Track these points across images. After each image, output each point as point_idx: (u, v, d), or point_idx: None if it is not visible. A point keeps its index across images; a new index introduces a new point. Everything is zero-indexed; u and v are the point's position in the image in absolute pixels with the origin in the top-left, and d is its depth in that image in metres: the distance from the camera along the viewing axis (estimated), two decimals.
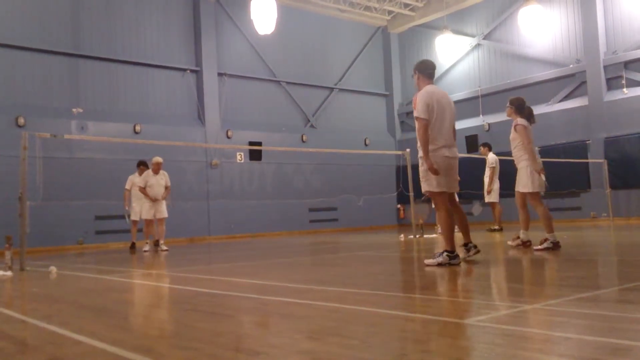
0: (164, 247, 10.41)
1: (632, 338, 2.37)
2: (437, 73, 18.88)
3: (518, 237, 7.05)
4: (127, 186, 11.10)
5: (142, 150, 13.87)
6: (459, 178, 5.63)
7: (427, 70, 5.58)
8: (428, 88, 5.44)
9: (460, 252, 5.60)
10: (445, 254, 5.24)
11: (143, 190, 10.36)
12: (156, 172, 10.45)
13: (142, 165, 11.02)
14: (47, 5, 13.45)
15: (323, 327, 2.83)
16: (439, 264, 5.19)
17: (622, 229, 6.62)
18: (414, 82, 5.66)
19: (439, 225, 5.63)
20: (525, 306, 3.11)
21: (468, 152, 16.59)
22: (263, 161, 16.30)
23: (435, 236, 10.97)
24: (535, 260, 6.30)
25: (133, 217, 11.04)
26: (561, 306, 3.11)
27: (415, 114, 5.38)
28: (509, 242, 7.18)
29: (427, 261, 5.35)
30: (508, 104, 6.90)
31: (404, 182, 12.89)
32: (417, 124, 5.35)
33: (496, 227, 11.88)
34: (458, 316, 3.02)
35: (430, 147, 5.31)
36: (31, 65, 13.13)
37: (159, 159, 10.49)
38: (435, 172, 5.26)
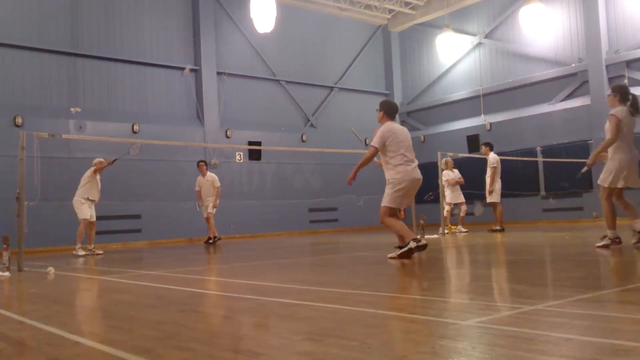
0: (99, 251, 10.27)
1: (633, 339, 2.34)
2: (439, 72, 19.19)
3: (605, 237, 6.40)
4: (197, 188, 12.11)
5: (141, 150, 13.84)
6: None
7: (391, 114, 6.63)
8: (389, 124, 6.48)
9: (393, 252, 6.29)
10: (410, 242, 5.94)
11: (99, 169, 10.08)
12: (100, 172, 10.30)
13: (203, 163, 12.24)
14: (45, 4, 13.42)
15: (322, 328, 2.81)
16: (410, 250, 5.89)
17: (624, 229, 6.58)
18: (377, 116, 6.67)
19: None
20: (526, 307, 3.09)
21: (470, 151, 16.58)
22: (262, 161, 16.28)
23: (436, 237, 10.95)
24: (536, 261, 6.28)
25: (209, 211, 11.91)
26: (562, 307, 3.09)
27: (372, 142, 6.46)
28: (633, 241, 6.36)
29: (390, 255, 6.08)
30: (610, 92, 6.41)
31: None
32: (368, 150, 6.51)
33: (497, 227, 11.86)
34: (459, 317, 3.00)
35: (402, 168, 6.26)
36: (29, 65, 13.10)
37: (101, 159, 10.34)
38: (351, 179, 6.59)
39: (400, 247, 6.22)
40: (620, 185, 6.25)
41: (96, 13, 14.16)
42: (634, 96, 6.36)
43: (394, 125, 6.51)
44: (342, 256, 8.10)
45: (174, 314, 3.58)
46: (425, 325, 2.86)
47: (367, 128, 19.07)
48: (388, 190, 6.27)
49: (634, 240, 6.35)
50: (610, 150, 6.30)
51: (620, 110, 6.22)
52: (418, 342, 2.52)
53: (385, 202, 6.26)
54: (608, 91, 6.59)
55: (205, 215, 12.12)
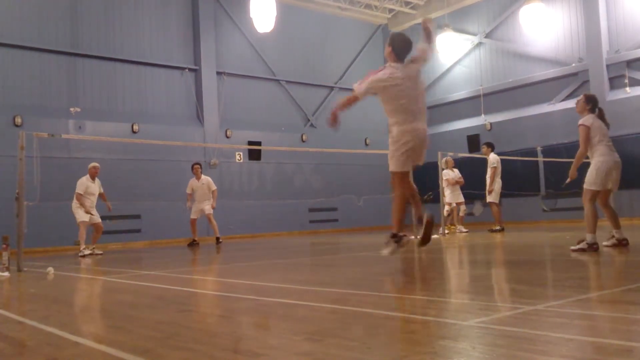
0: (98, 252, 10.39)
1: (634, 339, 2.35)
2: (439, 72, 19.15)
3: (613, 237, 6.52)
4: (188, 190, 11.86)
5: (141, 150, 13.87)
6: (425, 150, 5.29)
7: (401, 54, 5.13)
8: (389, 69, 5.07)
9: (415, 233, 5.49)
10: (391, 239, 5.02)
11: (80, 197, 10.09)
12: (94, 177, 10.36)
13: (198, 165, 11.90)
14: (45, 4, 13.42)
15: (323, 329, 2.80)
16: (392, 253, 5.03)
17: (624, 229, 6.58)
18: (385, 51, 5.22)
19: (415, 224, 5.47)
20: (526, 307, 3.09)
21: (470, 151, 16.58)
22: (262, 161, 16.28)
23: (436, 237, 10.95)
24: (536, 261, 6.28)
25: (192, 216, 11.73)
26: (563, 307, 3.09)
27: (355, 86, 5.12)
28: (605, 243, 6.51)
29: (383, 252, 5.11)
30: (583, 99, 6.56)
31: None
32: (352, 93, 5.13)
33: (497, 227, 11.88)
34: (459, 317, 2.99)
35: (395, 120, 5.06)
36: (29, 65, 13.10)
37: (96, 164, 10.44)
38: (334, 119, 5.22)
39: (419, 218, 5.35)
40: (603, 187, 6.32)
41: (96, 13, 14.16)
42: (601, 109, 6.56)
43: (397, 71, 5.07)
44: (342, 256, 8.10)
45: (174, 314, 3.58)
46: (425, 325, 2.85)
47: (367, 128, 19.12)
48: (390, 149, 5.14)
49: (608, 243, 6.48)
50: (590, 154, 6.43)
51: (588, 118, 6.39)
52: (418, 342, 2.51)
53: (391, 165, 5.16)
54: (580, 97, 6.71)
55: (193, 217, 11.81)
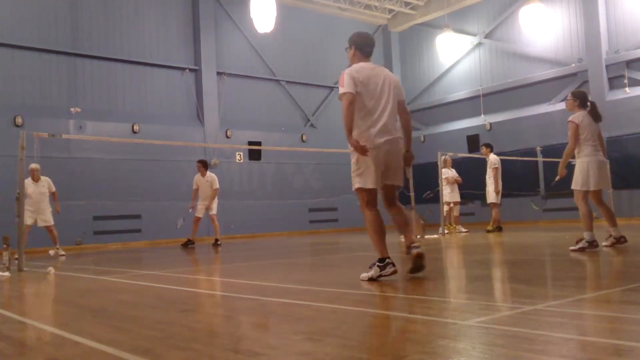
0: (62, 252, 10.45)
1: (634, 339, 2.35)
2: (439, 72, 19.14)
3: (611, 236, 6.57)
4: (194, 186, 11.67)
5: (141, 150, 13.88)
6: (402, 168, 4.71)
7: (365, 48, 4.71)
8: (361, 64, 4.62)
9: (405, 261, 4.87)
10: (375, 265, 4.41)
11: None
12: (35, 179, 10.18)
13: (200, 163, 11.60)
14: (45, 4, 13.43)
15: (322, 328, 2.80)
16: (370, 279, 4.38)
17: (623, 229, 6.58)
18: (348, 55, 4.77)
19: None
20: (526, 307, 3.09)
21: (470, 151, 16.59)
22: (262, 161, 16.29)
23: (436, 237, 10.96)
24: (536, 261, 6.28)
25: (197, 214, 11.55)
26: (562, 307, 3.09)
27: (340, 91, 4.46)
28: (604, 243, 6.55)
29: (362, 276, 4.50)
30: (570, 97, 6.55)
31: (405, 182, 12.90)
32: (342, 102, 4.42)
33: (492, 227, 11.93)
34: (459, 317, 3.00)
35: (358, 132, 4.42)
36: (29, 65, 13.11)
37: (34, 166, 10.11)
38: (363, 150, 4.32)
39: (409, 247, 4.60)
40: (592, 187, 6.33)
41: (96, 13, 14.17)
42: (593, 103, 6.53)
43: (367, 66, 4.62)
44: (342, 256, 8.10)
45: (174, 314, 3.58)
46: (425, 325, 2.86)
47: None
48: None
49: (606, 243, 6.50)
50: (576, 154, 6.44)
51: (577, 115, 6.38)
52: (418, 342, 2.51)
53: (354, 182, 4.54)
54: (568, 96, 6.72)
55: (197, 215, 11.61)
